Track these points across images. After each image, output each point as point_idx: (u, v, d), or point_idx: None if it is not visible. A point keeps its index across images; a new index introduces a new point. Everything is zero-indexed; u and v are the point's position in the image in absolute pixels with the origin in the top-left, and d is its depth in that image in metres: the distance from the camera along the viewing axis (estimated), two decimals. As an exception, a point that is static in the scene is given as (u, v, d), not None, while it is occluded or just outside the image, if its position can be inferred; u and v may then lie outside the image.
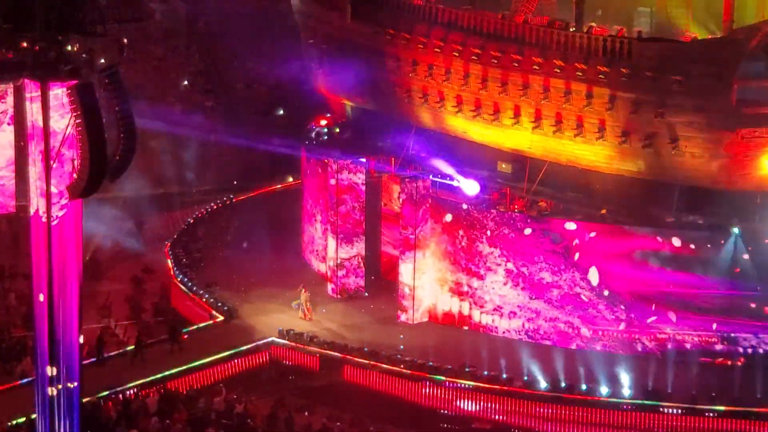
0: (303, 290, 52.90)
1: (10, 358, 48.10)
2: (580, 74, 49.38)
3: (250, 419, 43.41)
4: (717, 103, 46.45)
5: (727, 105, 46.39)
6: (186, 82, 77.99)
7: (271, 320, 52.00)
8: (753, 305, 48.09)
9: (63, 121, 29.95)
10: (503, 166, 54.85)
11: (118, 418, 41.84)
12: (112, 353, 48.75)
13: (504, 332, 51.39)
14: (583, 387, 46.04)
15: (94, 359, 46.73)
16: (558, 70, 50.03)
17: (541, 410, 45.68)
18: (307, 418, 45.26)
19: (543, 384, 46.36)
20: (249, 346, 49.90)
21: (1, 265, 57.77)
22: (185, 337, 50.04)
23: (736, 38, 47.14)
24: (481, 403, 46.47)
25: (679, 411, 44.74)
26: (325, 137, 60.76)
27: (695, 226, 49.17)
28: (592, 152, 50.45)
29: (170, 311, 55.23)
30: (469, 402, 46.65)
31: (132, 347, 48.88)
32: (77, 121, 29.06)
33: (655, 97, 47.51)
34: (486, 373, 47.08)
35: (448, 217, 52.12)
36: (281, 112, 76.39)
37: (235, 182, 68.94)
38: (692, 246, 48.45)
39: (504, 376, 46.85)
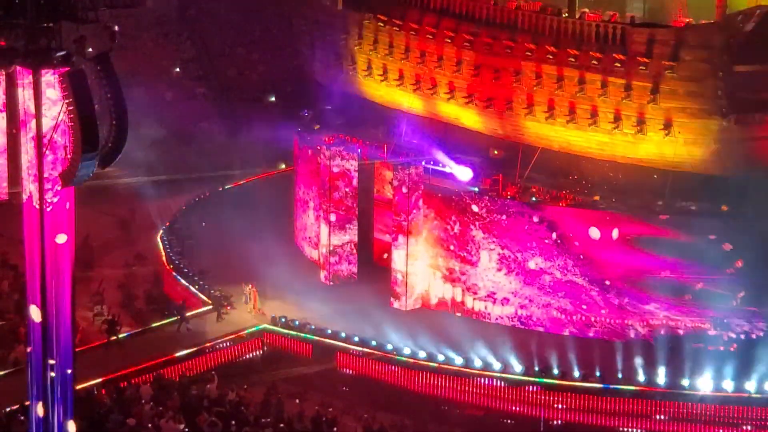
0: (250, 286, 52.54)
1: (3, 345, 48.01)
2: (573, 60, 49.36)
3: (243, 406, 43.37)
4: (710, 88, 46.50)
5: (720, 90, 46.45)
6: (178, 69, 77.89)
7: (263, 307, 51.93)
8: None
9: (55, 108, 29.86)
10: (495, 152, 54.84)
11: (112, 405, 41.82)
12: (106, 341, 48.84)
13: (497, 318, 51.47)
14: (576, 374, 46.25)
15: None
16: (550, 57, 49.99)
17: (535, 397, 45.79)
18: (299, 405, 45.23)
19: (535, 370, 46.49)
20: (242, 333, 49.93)
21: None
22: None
23: (730, 23, 47.11)
24: (475, 390, 46.56)
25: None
26: (318, 124, 60.69)
27: (687, 212, 49.23)
28: (585, 138, 50.43)
29: (163, 298, 55.20)
30: (463, 389, 46.75)
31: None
32: (69, 108, 28.98)
33: (648, 82, 47.51)
34: (480, 360, 47.22)
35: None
36: (273, 98, 76.30)
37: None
38: (684, 232, 48.54)
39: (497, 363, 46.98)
